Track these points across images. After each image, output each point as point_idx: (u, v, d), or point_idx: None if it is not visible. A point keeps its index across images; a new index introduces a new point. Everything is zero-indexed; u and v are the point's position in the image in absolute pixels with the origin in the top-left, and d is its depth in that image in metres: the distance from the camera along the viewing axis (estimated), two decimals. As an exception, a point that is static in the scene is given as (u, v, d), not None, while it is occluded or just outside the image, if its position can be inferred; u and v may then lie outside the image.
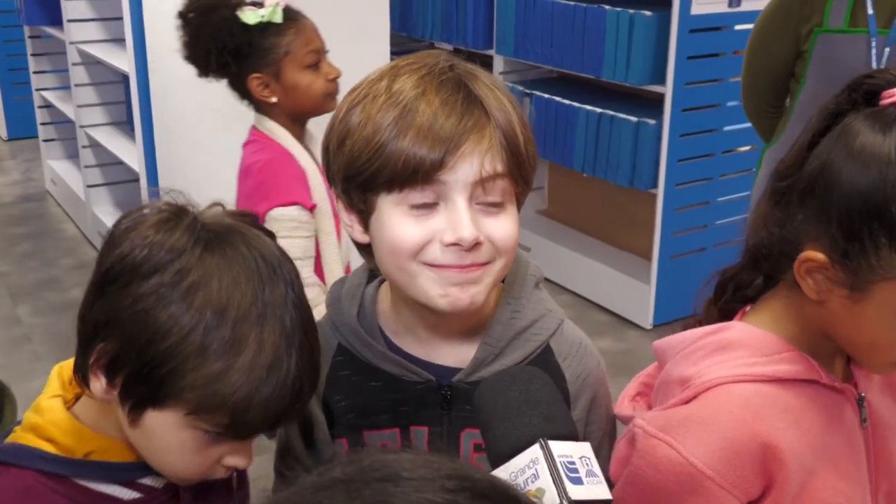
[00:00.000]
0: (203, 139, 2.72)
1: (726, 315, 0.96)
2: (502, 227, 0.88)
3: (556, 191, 3.98)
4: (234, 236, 0.81)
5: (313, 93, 1.81)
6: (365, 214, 0.90)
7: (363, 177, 0.87)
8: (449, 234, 0.86)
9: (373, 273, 1.02)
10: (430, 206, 0.86)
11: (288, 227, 1.76)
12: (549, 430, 0.73)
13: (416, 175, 0.84)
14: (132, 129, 3.39)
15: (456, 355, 0.97)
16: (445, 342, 0.97)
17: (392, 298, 0.98)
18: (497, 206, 0.88)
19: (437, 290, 0.88)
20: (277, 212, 1.76)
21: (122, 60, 3.34)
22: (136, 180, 3.40)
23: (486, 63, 3.75)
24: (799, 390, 0.89)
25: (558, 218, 3.92)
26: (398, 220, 0.87)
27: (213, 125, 2.64)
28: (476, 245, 0.86)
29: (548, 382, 0.78)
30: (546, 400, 0.76)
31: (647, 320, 3.29)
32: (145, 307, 0.76)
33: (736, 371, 0.88)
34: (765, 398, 0.87)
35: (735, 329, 0.92)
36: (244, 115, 1.85)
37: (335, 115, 0.91)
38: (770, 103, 2.20)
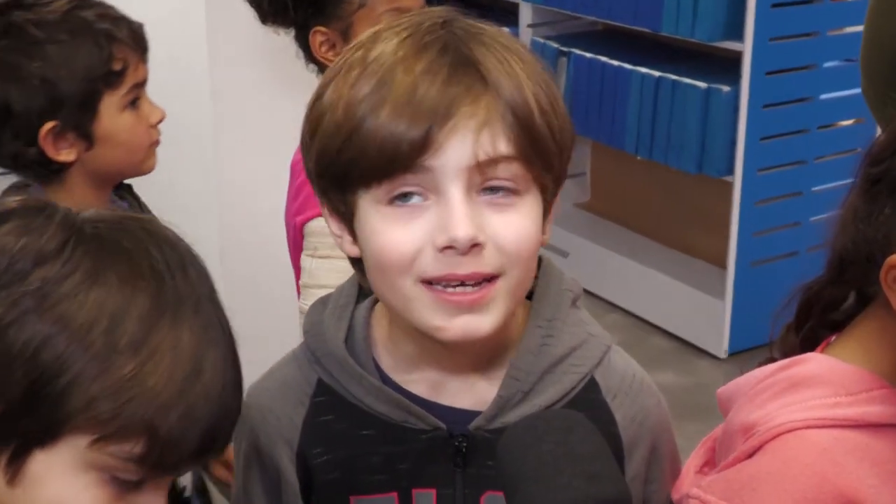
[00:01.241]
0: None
1: (811, 345, 0.97)
2: (510, 225, 0.88)
3: (600, 178, 3.98)
4: (132, 226, 0.85)
5: None
6: (348, 219, 0.92)
7: (337, 170, 0.89)
8: (440, 235, 0.86)
9: (362, 290, 1.02)
10: (418, 205, 0.87)
11: (328, 245, 1.64)
12: (595, 494, 0.73)
13: (394, 161, 0.85)
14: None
15: (473, 395, 0.97)
16: (459, 378, 0.97)
17: (389, 325, 0.99)
18: (507, 198, 0.88)
19: (436, 321, 0.89)
20: (317, 224, 1.65)
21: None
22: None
23: (511, 13, 3.76)
24: (893, 439, 0.89)
25: (604, 213, 3.92)
26: (382, 225, 0.88)
27: (154, 97, 2.65)
28: (476, 247, 0.86)
29: (592, 431, 0.78)
30: (590, 453, 0.76)
31: (722, 347, 3.29)
32: (25, 310, 0.79)
33: (812, 414, 0.89)
34: (849, 447, 0.87)
35: (812, 362, 0.92)
36: (194, 82, 1.85)
37: (310, 101, 0.93)
38: None
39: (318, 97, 0.91)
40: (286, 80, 2.25)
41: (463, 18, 0.91)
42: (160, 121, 1.68)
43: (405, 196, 0.87)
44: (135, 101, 1.63)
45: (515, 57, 0.89)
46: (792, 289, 0.99)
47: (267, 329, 2.41)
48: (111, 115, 1.59)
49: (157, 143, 1.69)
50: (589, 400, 0.97)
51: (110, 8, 1.60)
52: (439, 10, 0.92)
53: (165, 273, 0.82)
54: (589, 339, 0.99)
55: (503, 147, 0.87)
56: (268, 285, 2.44)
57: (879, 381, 0.90)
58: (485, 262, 0.87)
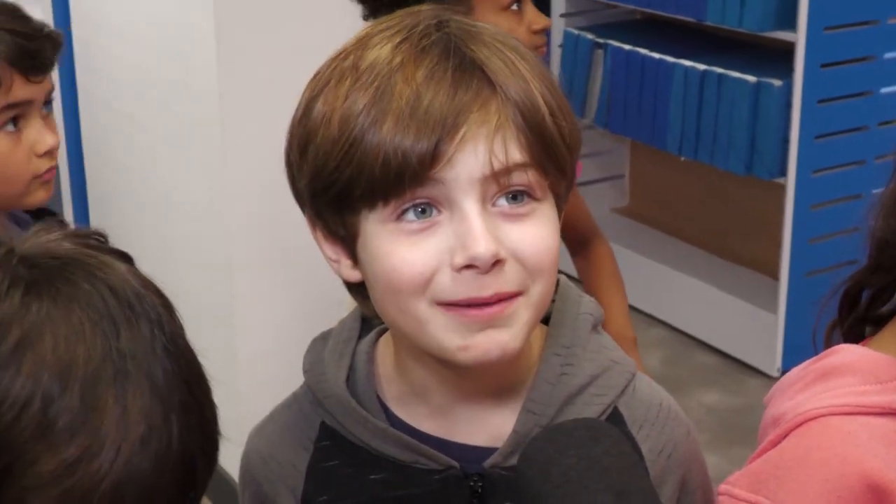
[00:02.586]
0: (143, 114, 2.75)
1: (854, 340, 1.00)
2: (532, 235, 0.88)
3: (640, 181, 3.98)
4: (70, 269, 0.80)
5: None
6: (349, 242, 0.92)
7: (335, 190, 0.88)
8: (459, 254, 0.86)
9: (366, 324, 1.03)
10: (430, 220, 0.87)
11: None
12: None
13: (402, 177, 0.85)
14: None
15: (487, 430, 0.97)
16: (471, 410, 0.97)
17: (397, 353, 0.99)
18: (522, 207, 0.88)
19: (456, 341, 0.88)
20: None
21: (34, 6, 3.38)
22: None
23: (540, 4, 3.75)
24: None
25: (644, 219, 3.92)
26: (391, 245, 0.88)
27: (159, 96, 2.67)
28: (497, 264, 0.86)
29: (619, 441, 0.78)
30: (617, 466, 0.76)
31: (774, 364, 3.28)
32: None
33: (839, 401, 0.92)
34: (875, 434, 0.91)
35: (844, 352, 0.96)
36: (201, 81, 1.86)
37: (294, 114, 0.93)
38: None
39: (305, 112, 0.91)
40: (296, 79, 2.27)
41: (456, 17, 0.91)
42: (50, 150, 1.56)
43: (415, 211, 0.87)
44: (15, 123, 1.53)
45: (518, 56, 0.90)
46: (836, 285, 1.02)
47: (270, 328, 2.43)
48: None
49: (44, 176, 1.56)
50: None
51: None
52: (428, 10, 0.92)
53: (115, 324, 0.78)
54: (611, 367, 1.00)
55: (516, 154, 0.87)
56: (278, 291, 2.45)
57: None
58: (507, 281, 0.87)
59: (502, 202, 0.88)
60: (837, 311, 1.02)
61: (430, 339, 0.89)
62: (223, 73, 2.34)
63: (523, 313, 0.89)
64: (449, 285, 0.87)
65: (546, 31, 1.87)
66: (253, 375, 2.43)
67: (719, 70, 3.25)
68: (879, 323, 1.00)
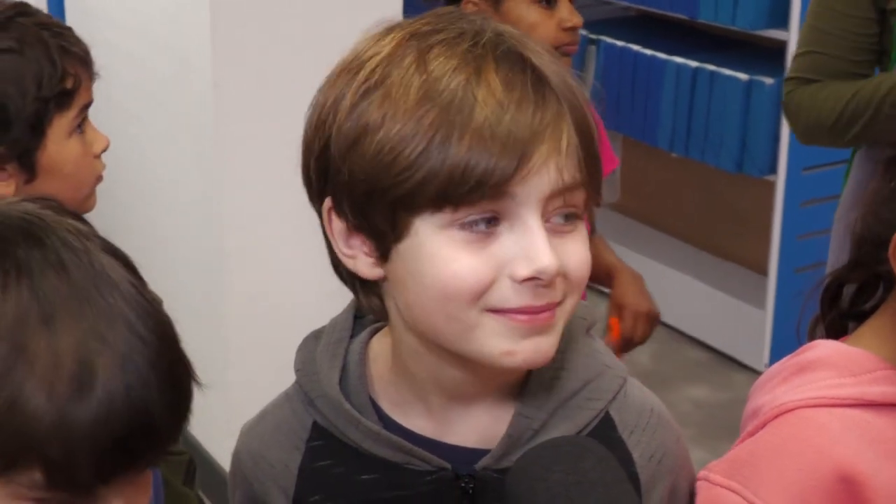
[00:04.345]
0: (136, 106, 2.74)
1: (836, 336, 1.03)
2: (577, 252, 0.91)
3: (631, 177, 3.98)
4: (14, 230, 0.81)
5: (537, 39, 1.82)
6: (387, 240, 0.91)
7: (398, 192, 0.87)
8: (523, 266, 0.87)
9: (358, 322, 1.03)
10: (489, 230, 0.88)
11: None
12: None
13: (479, 189, 0.85)
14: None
15: (480, 432, 0.97)
16: (465, 412, 0.98)
17: (396, 354, 0.98)
18: (569, 225, 0.90)
19: (504, 346, 0.89)
20: None
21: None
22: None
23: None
24: (894, 418, 0.95)
25: (635, 215, 3.93)
26: (450, 252, 0.88)
27: (153, 88, 2.66)
28: (557, 277, 0.88)
29: (604, 456, 0.79)
30: (604, 481, 0.76)
31: (762, 360, 3.29)
32: None
33: (814, 393, 0.96)
34: (848, 425, 0.94)
35: (820, 347, 0.99)
36: (195, 73, 1.85)
37: (335, 100, 0.91)
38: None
39: (355, 105, 0.89)
40: (290, 72, 2.27)
41: (499, 24, 0.92)
42: (104, 150, 1.57)
43: (484, 222, 0.88)
44: (81, 126, 1.52)
45: (561, 67, 0.91)
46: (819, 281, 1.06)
47: (267, 324, 2.43)
48: (58, 141, 1.46)
49: (100, 178, 1.58)
50: (604, 437, 0.96)
51: (49, 17, 1.50)
52: (474, 17, 0.92)
53: (37, 274, 0.79)
54: (604, 372, 1.00)
55: (577, 174, 0.89)
56: (271, 284, 2.45)
57: (884, 363, 0.96)
58: (557, 293, 0.89)
59: (557, 219, 0.89)
60: (819, 306, 1.05)
61: (475, 343, 0.89)
62: (217, 65, 2.33)
63: (560, 322, 0.91)
64: (508, 294, 0.88)
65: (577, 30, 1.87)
66: (244, 369, 2.43)
67: (711, 67, 3.25)
68: (861, 319, 1.02)
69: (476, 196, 0.86)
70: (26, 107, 1.36)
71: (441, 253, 0.88)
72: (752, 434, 0.98)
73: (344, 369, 1.00)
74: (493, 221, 0.88)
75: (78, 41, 1.48)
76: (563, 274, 0.89)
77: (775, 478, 0.92)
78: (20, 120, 1.35)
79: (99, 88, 2.92)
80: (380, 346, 1.00)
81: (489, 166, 0.85)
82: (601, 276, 2.07)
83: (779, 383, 0.99)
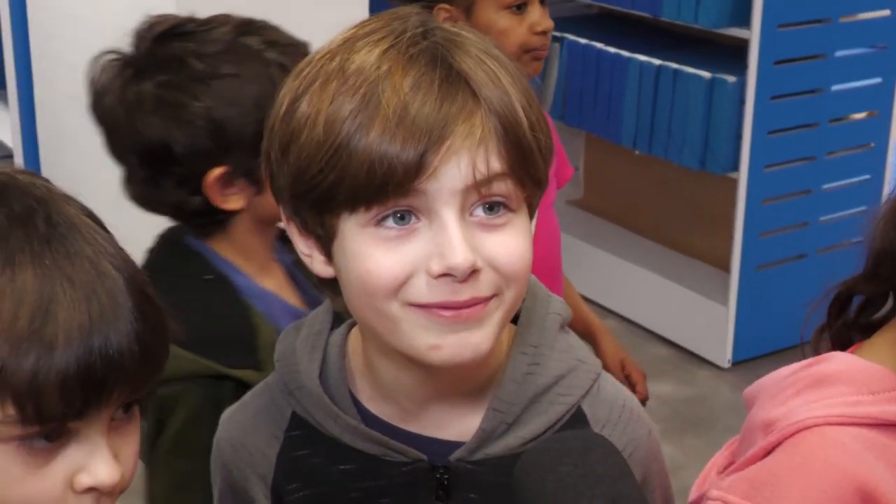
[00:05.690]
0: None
1: (842, 347, 1.01)
2: (507, 245, 0.89)
3: (595, 174, 3.99)
4: None
5: (509, 43, 1.83)
6: (325, 240, 0.92)
7: (317, 193, 0.89)
8: (436, 262, 0.87)
9: (338, 316, 1.03)
10: (408, 226, 0.88)
11: None
12: None
13: (386, 186, 0.86)
14: (3, 91, 3.40)
15: (455, 425, 0.98)
16: (440, 407, 0.98)
17: (365, 351, 0.99)
18: (499, 218, 0.89)
19: (428, 340, 0.89)
20: None
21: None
22: (10, 157, 3.41)
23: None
24: None
25: (598, 211, 3.93)
26: (368, 248, 0.88)
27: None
28: (473, 273, 0.87)
29: (611, 450, 0.80)
30: (610, 474, 0.77)
31: (725, 356, 3.30)
32: None
33: (833, 411, 0.93)
34: (870, 445, 0.92)
35: (836, 360, 0.97)
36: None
37: (275, 111, 0.93)
38: None
39: (288, 111, 0.91)
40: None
41: (440, 24, 0.92)
42: (546, 31, 1.78)
43: (394, 218, 0.88)
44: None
45: (500, 67, 0.90)
46: (814, 290, 1.02)
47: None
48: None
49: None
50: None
51: (275, 30, 1.49)
52: (416, 15, 0.92)
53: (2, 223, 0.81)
54: (577, 367, 1.00)
55: (496, 164, 0.88)
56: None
57: None
58: (482, 287, 0.88)
59: (480, 212, 0.88)
60: (826, 315, 1.02)
61: (402, 337, 0.90)
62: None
63: (495, 315, 0.90)
64: (424, 290, 0.88)
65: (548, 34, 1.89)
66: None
67: (674, 65, 3.25)
68: (867, 330, 1.01)
69: (384, 194, 0.86)
70: (247, 127, 1.36)
71: (360, 250, 0.89)
72: (767, 450, 0.95)
73: (324, 361, 1.00)
74: (409, 218, 0.88)
75: (298, 54, 1.46)
76: (493, 267, 0.88)
77: (797, 498, 0.91)
78: (241, 141, 1.37)
79: (62, 84, 2.89)
80: (357, 340, 1.01)
81: (393, 163, 0.85)
82: (579, 332, 2.08)
83: (792, 395, 0.96)
